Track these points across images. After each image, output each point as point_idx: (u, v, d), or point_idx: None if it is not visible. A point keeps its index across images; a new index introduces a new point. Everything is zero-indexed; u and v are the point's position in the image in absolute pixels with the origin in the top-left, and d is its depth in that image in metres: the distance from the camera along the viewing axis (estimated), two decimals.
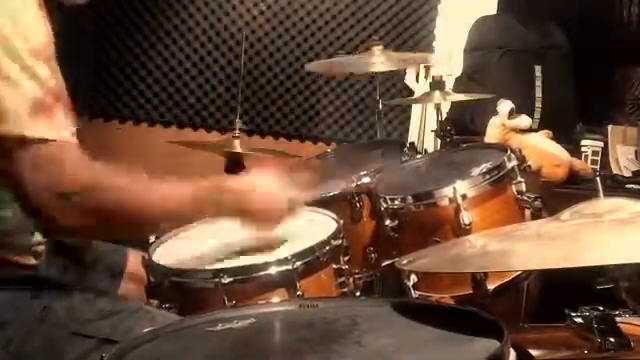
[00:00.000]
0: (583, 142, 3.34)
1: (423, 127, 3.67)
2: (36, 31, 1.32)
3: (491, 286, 1.84)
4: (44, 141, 1.29)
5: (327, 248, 1.72)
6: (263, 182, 1.61)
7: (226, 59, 3.86)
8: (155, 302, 1.66)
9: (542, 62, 3.53)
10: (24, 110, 1.28)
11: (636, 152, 3.31)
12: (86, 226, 1.35)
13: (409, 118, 3.92)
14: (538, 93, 3.50)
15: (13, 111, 1.27)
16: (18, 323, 1.40)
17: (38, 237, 1.51)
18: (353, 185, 2.16)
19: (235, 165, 2.63)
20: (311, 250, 1.69)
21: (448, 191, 1.90)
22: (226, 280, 1.59)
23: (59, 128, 1.31)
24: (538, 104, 3.49)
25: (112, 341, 1.35)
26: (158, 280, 1.67)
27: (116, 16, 3.80)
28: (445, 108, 3.18)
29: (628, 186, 3.07)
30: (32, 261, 1.50)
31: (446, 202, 1.91)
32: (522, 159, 1.99)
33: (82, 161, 1.33)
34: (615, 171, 3.27)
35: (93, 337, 1.40)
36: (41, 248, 1.52)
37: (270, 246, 1.70)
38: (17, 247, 1.47)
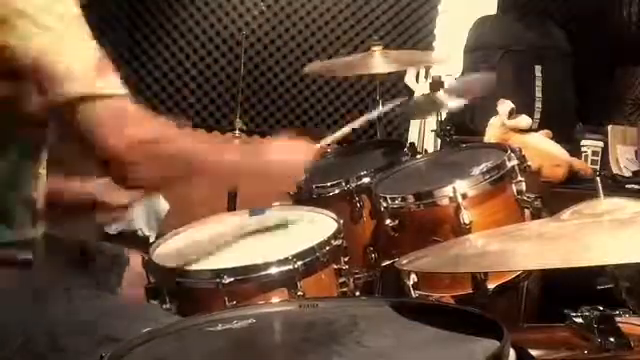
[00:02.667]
0: (583, 142, 3.33)
1: (423, 127, 3.67)
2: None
3: (491, 286, 1.84)
4: (115, 96, 1.34)
5: (327, 248, 1.72)
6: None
7: (226, 59, 3.86)
8: (155, 302, 1.66)
9: (542, 62, 3.53)
10: (91, 67, 1.32)
11: (636, 152, 3.31)
12: (154, 175, 1.38)
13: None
14: (538, 93, 3.50)
15: (81, 70, 1.31)
16: (20, 323, 1.41)
17: (39, 231, 1.51)
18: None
19: None
20: (311, 250, 1.69)
21: (448, 190, 1.91)
22: (226, 280, 1.59)
23: (120, 83, 1.36)
24: (538, 104, 3.49)
25: (114, 339, 1.36)
26: (158, 280, 1.67)
27: (116, 16, 3.80)
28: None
29: (628, 186, 3.07)
30: (30, 256, 1.50)
31: (446, 201, 1.91)
32: (522, 159, 1.99)
33: (145, 114, 1.39)
34: (615, 171, 3.27)
35: (94, 335, 1.40)
36: (39, 245, 1.52)
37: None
38: (18, 242, 1.48)
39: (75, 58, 1.31)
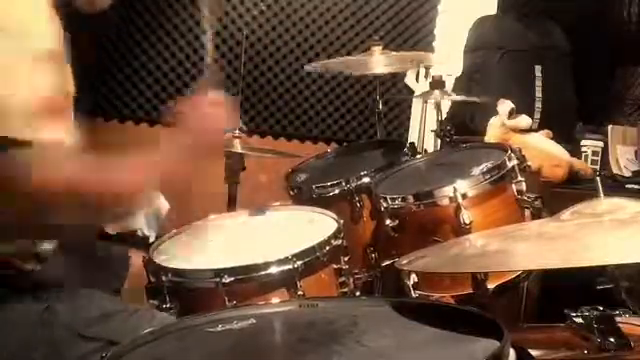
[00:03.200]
0: (583, 142, 3.33)
1: (423, 127, 3.67)
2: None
3: (491, 286, 1.84)
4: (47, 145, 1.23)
5: (327, 248, 1.72)
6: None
7: (226, 59, 3.86)
8: (155, 302, 1.66)
9: (542, 62, 3.53)
10: (32, 111, 1.22)
11: (636, 152, 3.31)
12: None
13: (409, 118, 3.92)
14: (538, 93, 3.50)
15: (20, 110, 1.22)
16: (21, 325, 1.40)
17: (47, 246, 1.50)
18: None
19: (235, 165, 2.62)
20: (311, 250, 1.69)
21: (448, 190, 1.91)
22: (226, 280, 1.60)
23: (59, 131, 1.27)
24: (538, 104, 3.49)
25: (117, 343, 1.35)
26: (158, 280, 1.67)
27: (116, 16, 3.79)
28: (445, 108, 3.18)
29: (628, 186, 3.07)
30: (38, 267, 1.49)
31: (446, 201, 1.91)
32: (522, 159, 1.99)
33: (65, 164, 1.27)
34: (615, 171, 3.27)
35: (98, 339, 1.40)
36: (47, 253, 1.51)
37: None
38: (20, 253, 1.47)
39: (16, 96, 1.22)
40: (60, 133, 1.27)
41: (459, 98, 2.91)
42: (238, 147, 2.56)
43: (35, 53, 1.26)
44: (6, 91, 1.22)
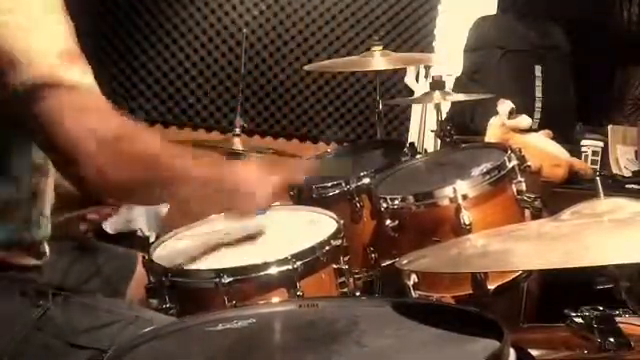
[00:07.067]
0: (583, 142, 3.34)
1: (423, 127, 3.68)
2: None
3: (491, 286, 1.84)
4: (78, 87, 1.22)
5: (327, 248, 1.72)
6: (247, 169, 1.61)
7: (226, 59, 3.86)
8: (155, 302, 1.66)
9: (542, 62, 3.54)
10: (53, 54, 1.21)
11: (636, 152, 3.31)
12: (121, 178, 1.25)
13: (409, 118, 3.93)
14: (538, 93, 3.51)
15: (44, 54, 1.20)
16: (15, 330, 1.37)
17: (43, 232, 1.48)
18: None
19: None
20: (311, 250, 1.69)
21: (448, 191, 1.90)
22: (226, 280, 1.59)
23: (89, 75, 1.25)
24: (538, 104, 3.49)
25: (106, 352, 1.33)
26: (158, 280, 1.67)
27: (116, 16, 3.80)
28: (445, 108, 3.18)
29: (628, 186, 3.07)
30: (33, 262, 1.47)
31: (446, 202, 1.91)
32: (522, 159, 1.99)
33: (111, 109, 1.26)
34: (615, 171, 3.27)
35: (90, 348, 1.38)
36: (44, 248, 1.50)
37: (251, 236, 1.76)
38: (20, 245, 1.43)
39: (36, 43, 1.20)
40: (84, 79, 1.25)
41: (459, 98, 2.90)
42: (238, 146, 2.56)
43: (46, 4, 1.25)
44: (25, 42, 1.20)
